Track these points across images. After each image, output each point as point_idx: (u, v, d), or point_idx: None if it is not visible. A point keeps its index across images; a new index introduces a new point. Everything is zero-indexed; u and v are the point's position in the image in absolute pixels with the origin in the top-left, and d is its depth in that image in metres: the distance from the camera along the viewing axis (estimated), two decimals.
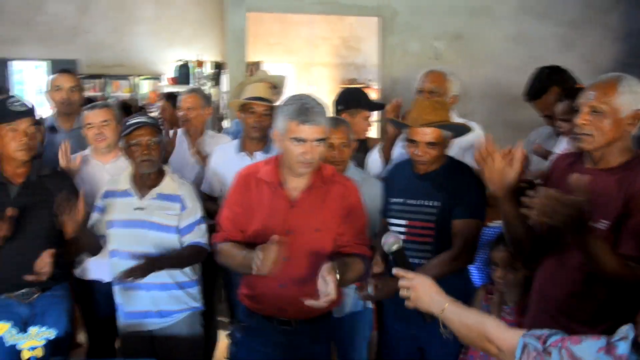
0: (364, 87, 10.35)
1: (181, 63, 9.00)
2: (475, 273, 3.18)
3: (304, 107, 2.31)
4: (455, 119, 3.26)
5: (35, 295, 2.80)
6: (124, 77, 9.92)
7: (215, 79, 8.77)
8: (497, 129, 2.62)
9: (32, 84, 9.89)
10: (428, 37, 7.15)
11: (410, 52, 7.05)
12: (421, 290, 1.83)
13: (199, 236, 2.94)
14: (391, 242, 2.06)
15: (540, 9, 7.36)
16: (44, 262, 2.63)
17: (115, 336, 3.33)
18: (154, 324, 2.94)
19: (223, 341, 3.91)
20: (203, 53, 9.30)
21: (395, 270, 1.94)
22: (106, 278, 3.13)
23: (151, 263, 2.74)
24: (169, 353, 2.93)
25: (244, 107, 3.34)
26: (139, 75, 9.87)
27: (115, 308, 3.02)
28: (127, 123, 2.92)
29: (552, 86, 3.29)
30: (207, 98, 4.09)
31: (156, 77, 9.81)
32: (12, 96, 2.84)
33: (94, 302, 3.24)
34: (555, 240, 2.18)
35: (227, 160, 3.41)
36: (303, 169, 2.38)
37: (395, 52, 7.08)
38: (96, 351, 3.39)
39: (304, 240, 2.43)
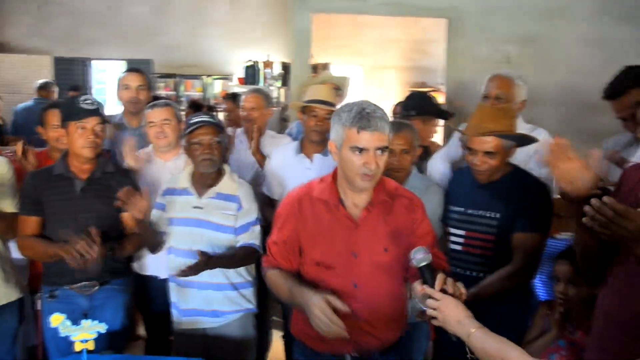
0: (432, 91, 10.21)
1: (250, 63, 9.05)
2: (540, 287, 3.02)
3: (364, 112, 2.05)
4: (522, 126, 3.10)
5: (95, 288, 2.83)
6: (196, 76, 10.11)
7: (283, 79, 8.79)
8: (569, 138, 2.43)
9: (112, 83, 10.22)
10: (498, 39, 6.93)
11: (479, 56, 6.84)
12: (449, 313, 1.76)
13: (252, 237, 2.91)
14: (420, 257, 1.90)
15: (620, 11, 6.99)
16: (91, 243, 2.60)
17: (170, 332, 3.35)
18: (207, 323, 2.92)
19: (277, 342, 3.87)
20: (272, 54, 9.35)
21: (423, 288, 1.84)
22: (162, 274, 3.14)
23: (206, 261, 2.70)
24: (220, 353, 2.91)
25: (305, 109, 3.29)
26: (210, 75, 10.03)
27: (170, 305, 3.02)
28: (190, 121, 2.92)
29: (634, 88, 3.05)
30: (269, 98, 4.06)
31: (226, 77, 9.94)
32: (83, 95, 2.89)
33: (149, 297, 3.26)
34: (624, 257, 1.99)
35: (286, 162, 3.37)
36: (365, 183, 2.10)
37: (462, 56, 6.89)
38: (153, 345, 3.41)
39: (372, 262, 2.20)
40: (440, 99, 9.60)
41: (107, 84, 10.41)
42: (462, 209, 2.77)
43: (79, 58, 10.29)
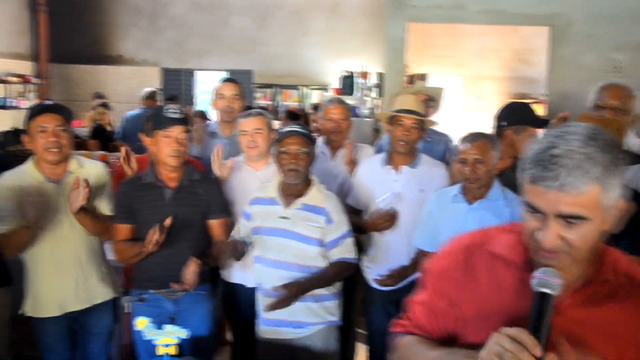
0: (534, 102, 9.80)
1: (346, 74, 9.04)
2: None
3: (546, 155, 1.24)
4: (633, 141, 2.87)
5: (180, 293, 2.87)
6: (293, 87, 10.24)
7: (378, 89, 8.72)
8: None
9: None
10: (606, 48, 6.53)
11: (585, 65, 6.46)
12: None
13: (345, 251, 2.84)
14: (545, 280, 1.26)
15: None
16: (190, 272, 2.69)
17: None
18: (290, 333, 2.88)
19: (361, 356, 3.80)
20: (368, 64, 9.30)
21: (526, 334, 1.21)
22: (249, 283, 3.14)
23: (299, 290, 2.69)
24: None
25: (393, 119, 3.20)
26: (307, 86, 10.12)
27: (256, 313, 3.02)
28: (281, 130, 2.90)
29: None
30: (351, 109, 3.99)
31: (323, 88, 10.00)
32: (169, 104, 2.94)
33: (237, 305, 3.28)
34: None
35: (372, 173, 3.29)
36: (545, 259, 1.30)
37: (566, 65, 6.54)
38: (239, 351, 3.43)
39: None
40: (542, 110, 9.24)
41: (208, 94, 10.75)
42: None
43: (184, 69, 10.70)
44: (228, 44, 10.53)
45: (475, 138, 2.79)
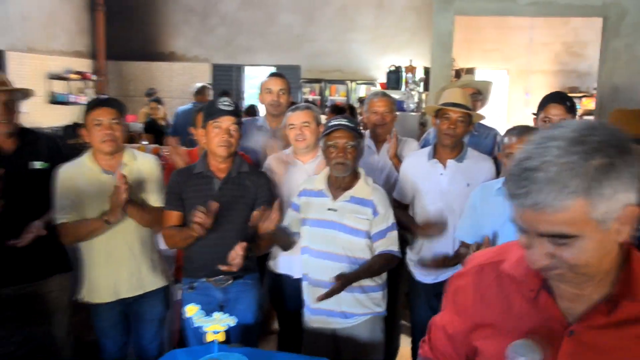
0: (581, 96, 9.54)
1: (393, 69, 8.97)
2: None
3: (520, 168, 1.08)
4: None
5: (229, 282, 2.89)
6: (341, 81, 10.22)
7: (425, 84, 8.62)
8: None
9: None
10: None
11: (638, 57, 6.21)
12: None
13: (390, 244, 2.83)
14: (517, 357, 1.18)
15: None
16: (237, 254, 2.70)
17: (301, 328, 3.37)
18: (336, 323, 2.88)
19: (405, 347, 3.77)
20: (415, 59, 9.21)
21: None
22: (295, 274, 3.15)
23: (345, 282, 2.67)
24: (348, 353, 2.87)
25: (439, 113, 3.16)
26: (355, 80, 10.09)
27: (302, 303, 3.03)
28: (329, 124, 2.90)
29: None
30: (395, 102, 3.94)
31: (370, 82, 9.96)
32: (223, 97, 2.96)
33: (283, 295, 3.30)
34: None
35: (418, 167, 3.25)
36: (547, 276, 1.18)
37: (619, 57, 6.27)
38: (284, 340, 3.45)
39: None
40: (592, 104, 8.99)
41: (257, 88, 10.81)
42: None
43: (234, 65, 10.80)
44: (276, 40, 10.58)
45: (521, 132, 2.72)
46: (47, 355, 3.15)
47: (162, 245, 3.04)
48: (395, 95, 7.25)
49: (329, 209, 2.84)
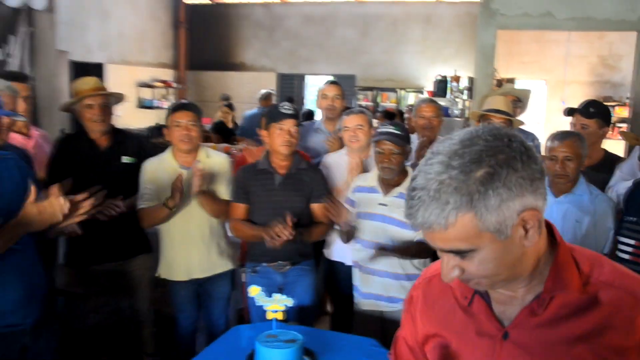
0: (615, 105, 9.12)
1: (440, 78, 8.82)
2: None
3: (410, 187, 0.97)
4: None
5: (287, 267, 2.89)
6: (392, 89, 10.12)
7: (469, 92, 8.45)
8: None
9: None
10: None
11: None
12: None
13: None
14: None
15: None
16: (281, 229, 2.63)
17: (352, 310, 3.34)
18: (384, 307, 2.84)
19: None
20: (459, 69, 9.04)
21: None
22: (348, 261, 3.13)
23: (381, 252, 2.68)
24: (394, 335, 2.82)
25: (482, 118, 3.08)
26: (404, 88, 9.98)
27: (353, 288, 3.00)
28: (378, 131, 2.85)
29: None
30: (442, 108, 3.85)
31: (418, 90, 9.83)
32: (285, 102, 2.96)
33: (336, 280, 3.27)
34: None
35: None
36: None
37: None
38: (337, 321, 3.43)
39: None
40: (624, 112, 8.60)
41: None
42: (634, 219, 2.39)
43: (296, 74, 10.84)
44: (334, 52, 10.57)
45: (565, 136, 2.62)
46: (132, 324, 3.23)
47: (230, 233, 3.07)
48: (442, 102, 7.13)
49: (380, 204, 2.81)
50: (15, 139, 3.04)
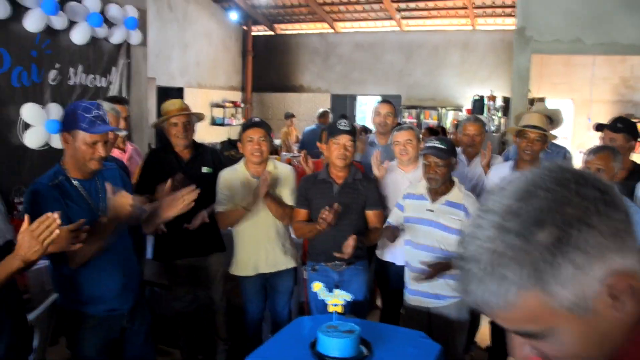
0: (637, 121, 8.66)
1: (477, 97, 8.61)
2: None
3: (459, 256, 0.70)
4: None
5: (343, 267, 2.86)
6: (433, 108, 9.95)
7: (503, 110, 8.20)
8: None
9: (370, 113, 10.57)
10: None
11: None
12: None
13: None
14: None
15: None
16: (348, 245, 2.66)
17: (401, 306, 3.27)
18: (430, 303, 2.77)
19: (485, 326, 3.56)
20: (495, 90, 8.80)
21: None
22: (398, 262, 3.07)
23: (440, 269, 2.59)
24: (439, 329, 2.74)
25: (519, 133, 2.97)
26: (444, 107, 9.80)
27: (403, 285, 2.94)
28: (426, 145, 2.79)
29: None
30: (485, 126, 3.74)
31: (457, 108, 9.64)
32: (343, 120, 2.93)
33: (387, 278, 3.21)
34: None
35: (502, 178, 3.07)
36: None
37: None
38: (386, 315, 3.36)
39: None
40: None
41: (366, 113, 10.77)
42: None
43: (348, 94, 10.83)
44: (382, 74, 10.50)
45: (598, 150, 2.52)
46: (208, 312, 3.27)
47: (293, 235, 3.07)
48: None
49: (428, 210, 2.75)
50: (114, 152, 3.14)
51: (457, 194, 2.74)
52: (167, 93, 8.86)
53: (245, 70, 11.32)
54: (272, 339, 2.28)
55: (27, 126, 4.10)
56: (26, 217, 1.58)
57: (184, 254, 3.10)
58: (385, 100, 3.84)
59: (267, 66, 11.32)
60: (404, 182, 3.15)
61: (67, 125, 2.03)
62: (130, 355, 2.27)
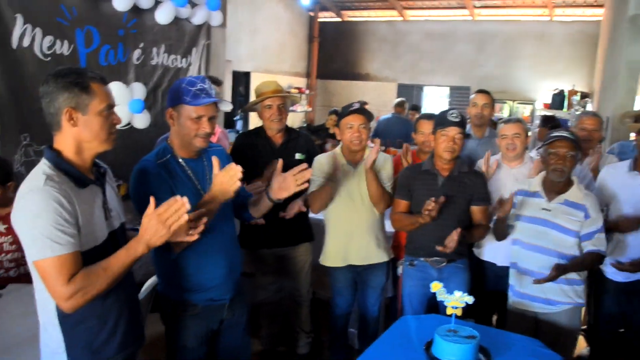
0: None
1: (557, 91, 8.11)
2: None
3: None
4: None
5: (444, 264, 2.67)
6: (502, 101, 9.49)
7: (584, 106, 7.68)
8: None
9: (436, 103, 10.21)
10: None
11: None
12: None
13: (598, 244, 2.44)
14: None
15: None
16: (452, 239, 2.46)
17: (495, 308, 3.05)
18: (539, 308, 2.55)
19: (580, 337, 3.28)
20: (575, 84, 8.27)
21: None
22: (499, 262, 2.85)
23: (562, 272, 2.37)
24: (548, 337, 2.49)
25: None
26: (514, 100, 9.34)
27: (506, 287, 2.71)
28: (551, 134, 2.54)
29: None
30: (602, 122, 3.38)
31: (529, 102, 9.17)
32: (452, 109, 2.70)
33: (484, 278, 2.98)
34: None
35: (617, 178, 2.80)
36: None
37: None
38: (482, 316, 3.14)
39: None
40: None
41: (432, 104, 10.38)
42: None
43: (415, 84, 10.51)
44: (451, 65, 10.10)
45: None
46: (293, 303, 3.16)
47: (390, 227, 2.89)
48: (559, 115, 6.51)
49: (543, 209, 2.53)
50: None
51: (577, 193, 2.50)
52: (237, 77, 8.83)
53: (311, 56, 11.17)
54: (380, 339, 2.12)
55: None
56: (152, 199, 1.47)
57: (271, 243, 3.00)
58: (483, 90, 3.57)
59: (333, 53, 11.12)
60: (508, 178, 2.93)
61: (172, 100, 1.93)
62: (226, 347, 2.17)
